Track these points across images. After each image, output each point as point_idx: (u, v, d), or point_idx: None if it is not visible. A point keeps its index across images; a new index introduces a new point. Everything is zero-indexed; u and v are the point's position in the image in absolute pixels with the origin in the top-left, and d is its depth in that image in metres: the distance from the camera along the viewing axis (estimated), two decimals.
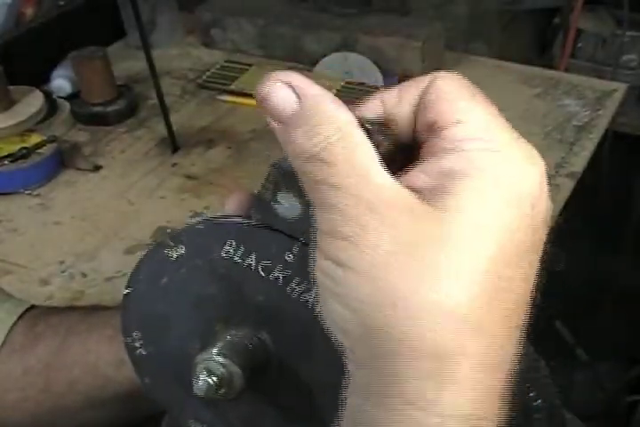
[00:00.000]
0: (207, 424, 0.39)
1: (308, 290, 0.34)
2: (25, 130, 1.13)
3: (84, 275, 0.98)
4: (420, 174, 0.30)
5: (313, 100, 0.31)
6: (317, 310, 0.31)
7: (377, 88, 1.22)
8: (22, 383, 0.57)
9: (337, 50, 1.31)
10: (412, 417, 0.28)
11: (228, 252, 0.35)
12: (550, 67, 1.58)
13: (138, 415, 0.57)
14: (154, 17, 1.41)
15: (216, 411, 0.39)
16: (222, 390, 0.34)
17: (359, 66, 1.28)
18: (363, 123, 0.31)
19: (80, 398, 0.56)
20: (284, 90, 0.31)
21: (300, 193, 0.33)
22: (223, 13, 1.42)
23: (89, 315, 0.58)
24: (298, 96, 0.31)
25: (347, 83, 1.26)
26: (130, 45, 1.42)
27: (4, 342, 0.58)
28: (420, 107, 0.32)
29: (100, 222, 1.06)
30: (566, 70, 1.61)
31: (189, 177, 1.14)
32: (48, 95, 1.21)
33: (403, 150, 0.33)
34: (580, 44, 1.81)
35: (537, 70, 1.37)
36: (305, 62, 1.34)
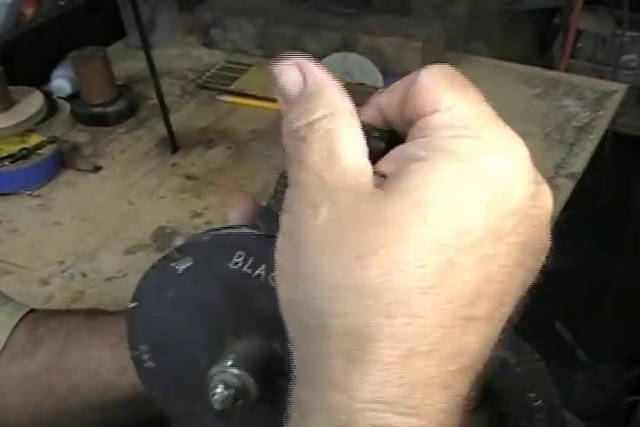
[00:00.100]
0: None
1: None
2: (25, 130, 1.13)
3: (84, 275, 0.98)
4: (388, 160, 0.30)
5: (317, 84, 0.31)
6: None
7: (377, 88, 1.22)
8: (23, 387, 0.57)
9: (337, 50, 1.31)
10: (338, 401, 0.28)
11: (236, 263, 0.35)
12: (550, 67, 1.58)
13: (139, 419, 0.57)
14: (154, 17, 1.41)
15: (225, 421, 0.39)
16: (238, 401, 0.34)
17: (359, 66, 1.28)
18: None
19: (82, 402, 0.56)
20: (294, 71, 0.32)
21: None
22: (223, 13, 1.42)
23: (89, 319, 0.58)
24: (304, 76, 0.32)
25: (347, 83, 1.26)
26: (130, 45, 1.42)
27: (5, 346, 0.57)
28: (405, 100, 0.32)
29: (100, 223, 1.06)
30: (566, 70, 1.61)
31: (189, 177, 1.14)
32: (48, 95, 1.21)
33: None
34: (580, 44, 1.81)
35: (537, 70, 1.37)
36: None
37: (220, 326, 0.37)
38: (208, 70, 1.37)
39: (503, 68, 1.36)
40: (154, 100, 1.21)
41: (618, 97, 1.27)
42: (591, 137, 1.18)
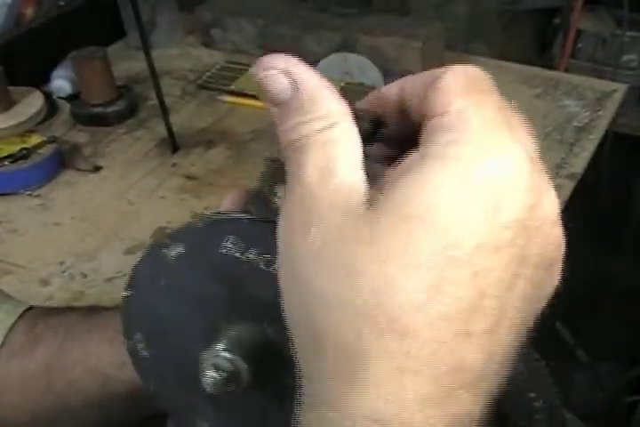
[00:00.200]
0: (213, 424, 0.39)
1: None
2: (25, 130, 1.13)
3: (84, 275, 0.98)
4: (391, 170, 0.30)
5: (308, 88, 0.30)
6: None
7: (377, 88, 1.22)
8: (22, 385, 0.57)
9: (337, 50, 1.31)
10: (330, 419, 0.28)
11: (227, 248, 0.35)
12: (550, 67, 1.58)
13: (139, 415, 0.57)
14: (154, 17, 1.41)
15: (222, 409, 0.39)
16: (230, 386, 0.34)
17: (359, 66, 1.28)
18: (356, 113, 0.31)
19: (81, 398, 0.56)
20: (280, 76, 0.31)
21: None
22: (223, 13, 1.42)
23: (88, 316, 0.58)
24: (294, 83, 0.31)
25: (347, 83, 1.26)
26: (130, 45, 1.42)
27: (3, 343, 0.58)
28: (425, 94, 0.31)
29: (100, 223, 1.06)
30: (566, 70, 1.61)
31: (189, 177, 1.14)
32: (48, 96, 1.21)
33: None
34: (580, 44, 1.81)
35: (537, 70, 1.37)
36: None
37: (214, 312, 0.36)
38: (208, 70, 1.37)
39: (503, 68, 1.36)
40: (154, 101, 1.21)
41: (618, 97, 1.27)
42: (591, 137, 1.18)
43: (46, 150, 1.12)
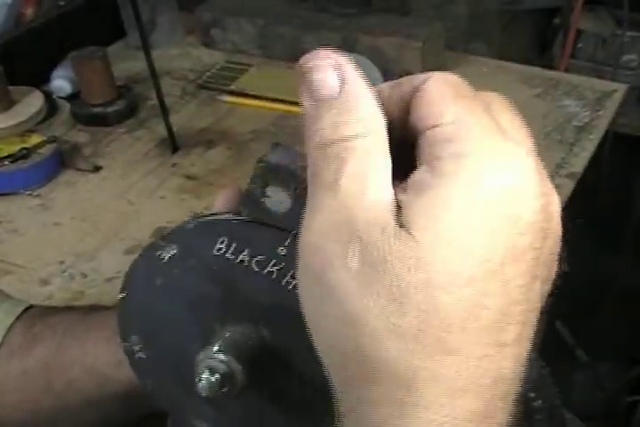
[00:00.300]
0: (211, 424, 0.39)
1: None
2: (25, 130, 1.13)
3: (84, 275, 0.98)
4: (403, 185, 0.29)
5: (355, 91, 0.29)
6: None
7: None
8: (21, 384, 0.57)
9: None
10: None
11: (220, 249, 0.35)
12: (550, 67, 1.58)
13: (137, 414, 0.57)
14: (154, 17, 1.41)
15: (219, 410, 0.39)
16: (225, 388, 0.34)
17: (359, 66, 1.28)
18: None
19: (79, 398, 0.56)
20: (331, 73, 0.30)
21: (288, 187, 0.33)
22: (223, 13, 1.42)
23: (86, 315, 0.58)
24: (342, 82, 0.29)
25: None
26: (130, 45, 1.42)
27: (1, 343, 0.58)
28: (410, 110, 0.30)
29: (100, 223, 1.06)
30: (566, 70, 1.61)
31: (189, 177, 1.14)
32: (48, 95, 1.21)
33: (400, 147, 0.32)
34: (580, 44, 1.81)
35: (537, 70, 1.37)
36: None
37: (209, 314, 0.36)
38: (208, 70, 1.37)
39: (503, 68, 1.36)
40: (154, 101, 1.21)
41: (618, 97, 1.27)
42: (591, 137, 1.18)
43: (46, 150, 1.12)
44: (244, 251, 0.34)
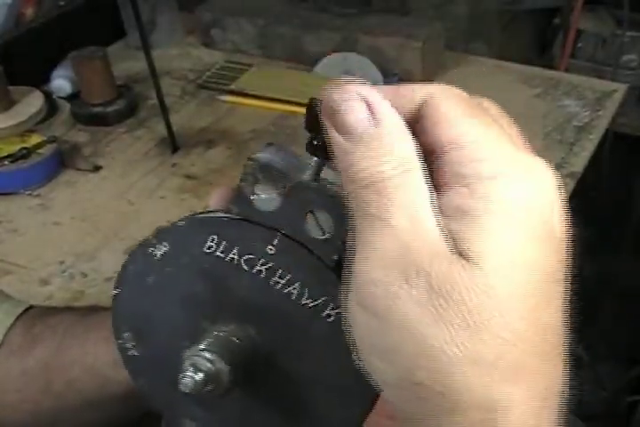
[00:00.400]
0: (201, 423, 0.39)
1: (292, 283, 0.34)
2: (25, 130, 1.13)
3: (84, 275, 0.98)
4: (442, 210, 0.29)
5: (391, 126, 0.29)
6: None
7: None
8: (21, 384, 0.57)
9: (337, 50, 1.31)
10: None
11: (210, 247, 0.35)
12: (550, 67, 1.58)
13: (137, 414, 0.57)
14: (154, 17, 1.41)
15: (210, 409, 0.39)
16: (209, 387, 0.33)
17: (359, 66, 1.28)
18: None
19: (79, 398, 0.56)
20: (360, 106, 0.29)
21: (277, 186, 0.33)
22: (223, 13, 1.42)
23: (86, 316, 0.58)
24: (374, 116, 0.29)
25: None
26: (130, 45, 1.42)
27: (1, 344, 0.58)
28: (420, 129, 0.30)
29: (100, 223, 1.06)
30: (566, 70, 1.61)
31: (189, 177, 1.14)
32: (48, 95, 1.21)
33: None
34: (580, 44, 1.81)
35: (537, 70, 1.37)
36: (305, 62, 1.34)
37: (199, 312, 0.36)
38: (208, 70, 1.37)
39: (503, 68, 1.36)
40: (154, 100, 1.21)
41: (618, 97, 1.27)
42: (591, 137, 1.18)
43: (46, 150, 1.12)
44: (233, 249, 0.34)
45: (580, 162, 1.12)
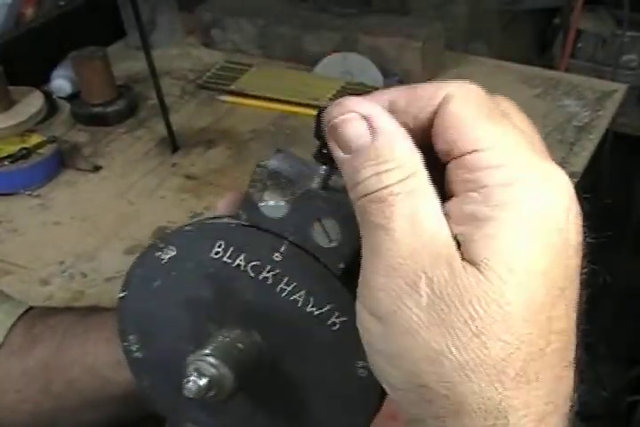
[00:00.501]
0: None
1: (298, 290, 0.34)
2: (25, 130, 1.13)
3: (84, 275, 0.98)
4: (450, 217, 0.29)
5: (387, 137, 0.29)
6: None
7: (377, 88, 1.22)
8: (21, 384, 0.57)
9: (337, 50, 1.31)
10: None
11: (217, 253, 0.35)
12: (550, 67, 1.58)
13: (137, 415, 0.57)
14: (154, 17, 1.41)
15: (213, 413, 0.39)
16: (212, 392, 0.33)
17: (359, 66, 1.28)
18: None
19: (79, 398, 0.56)
20: (358, 122, 0.30)
21: (285, 193, 0.33)
22: (223, 13, 1.42)
23: (86, 316, 0.58)
24: (372, 129, 0.30)
25: (347, 83, 1.26)
26: (130, 45, 1.42)
27: (2, 344, 0.58)
28: (434, 131, 0.30)
29: (100, 223, 1.06)
30: (566, 70, 1.61)
31: (189, 177, 1.14)
32: (48, 95, 1.21)
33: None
34: (580, 44, 1.81)
35: (537, 70, 1.37)
36: (305, 62, 1.34)
37: (203, 316, 0.37)
38: (208, 70, 1.37)
39: (503, 68, 1.36)
40: (154, 100, 1.21)
41: (618, 97, 1.27)
42: (591, 137, 1.18)
43: (46, 150, 1.12)
44: (240, 255, 0.34)
45: (580, 162, 1.13)
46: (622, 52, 1.75)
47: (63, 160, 1.16)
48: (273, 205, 0.34)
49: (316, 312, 0.33)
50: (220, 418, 0.39)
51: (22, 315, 0.60)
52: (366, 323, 0.30)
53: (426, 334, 0.28)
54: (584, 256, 0.30)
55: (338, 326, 0.33)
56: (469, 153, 0.29)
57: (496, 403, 0.27)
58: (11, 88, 1.15)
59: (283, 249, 0.33)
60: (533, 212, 0.28)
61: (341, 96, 0.31)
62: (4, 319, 0.59)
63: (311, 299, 0.33)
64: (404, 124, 0.31)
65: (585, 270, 0.31)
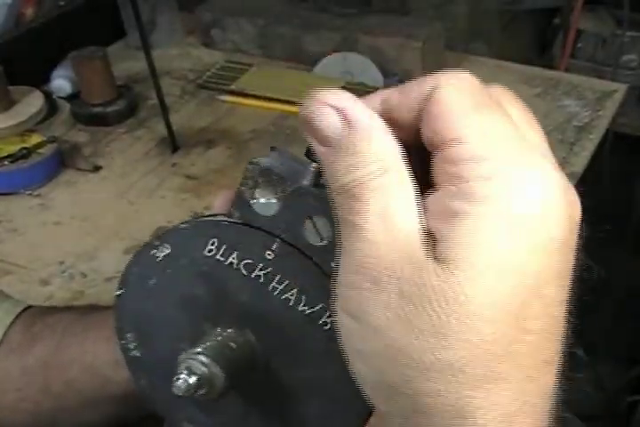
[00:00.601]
0: (200, 426, 0.39)
1: (289, 289, 0.34)
2: (25, 130, 1.13)
3: (84, 275, 0.98)
4: (428, 211, 0.28)
5: (362, 129, 0.29)
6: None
7: (377, 88, 1.22)
8: (20, 383, 0.57)
9: (337, 50, 1.31)
10: None
11: (211, 250, 0.35)
12: (550, 67, 1.58)
13: (137, 415, 0.57)
14: (154, 17, 1.41)
15: (208, 412, 0.39)
16: (202, 390, 0.33)
17: (359, 66, 1.28)
18: None
19: (79, 398, 0.56)
20: (333, 115, 0.29)
21: (276, 190, 0.33)
22: (223, 13, 1.42)
23: (86, 315, 0.58)
24: (347, 122, 0.29)
25: (347, 83, 1.26)
26: (130, 45, 1.42)
27: (1, 342, 0.58)
28: (423, 120, 0.29)
29: (100, 222, 1.06)
30: (566, 70, 1.61)
31: (189, 177, 1.14)
32: (48, 95, 1.21)
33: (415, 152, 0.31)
34: (579, 44, 1.81)
35: (537, 70, 1.37)
36: (305, 62, 1.34)
37: (198, 315, 0.37)
38: (208, 70, 1.37)
39: (503, 68, 1.36)
40: (154, 100, 1.21)
41: (618, 97, 1.27)
42: (591, 137, 1.18)
43: (46, 150, 1.12)
44: (233, 253, 0.34)
45: (580, 162, 1.13)
46: (622, 52, 1.75)
47: (63, 160, 1.16)
48: (264, 202, 0.34)
49: (308, 311, 0.33)
50: (216, 417, 0.39)
51: (21, 313, 0.60)
52: (342, 321, 0.29)
53: (394, 335, 0.27)
54: (578, 253, 0.29)
55: (329, 326, 0.33)
56: (453, 145, 0.28)
57: (460, 403, 0.27)
58: (11, 88, 1.15)
59: (274, 247, 0.33)
60: (513, 208, 0.27)
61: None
62: (3, 317, 0.59)
63: (303, 298, 0.33)
64: (399, 119, 0.30)
65: (578, 267, 0.30)
